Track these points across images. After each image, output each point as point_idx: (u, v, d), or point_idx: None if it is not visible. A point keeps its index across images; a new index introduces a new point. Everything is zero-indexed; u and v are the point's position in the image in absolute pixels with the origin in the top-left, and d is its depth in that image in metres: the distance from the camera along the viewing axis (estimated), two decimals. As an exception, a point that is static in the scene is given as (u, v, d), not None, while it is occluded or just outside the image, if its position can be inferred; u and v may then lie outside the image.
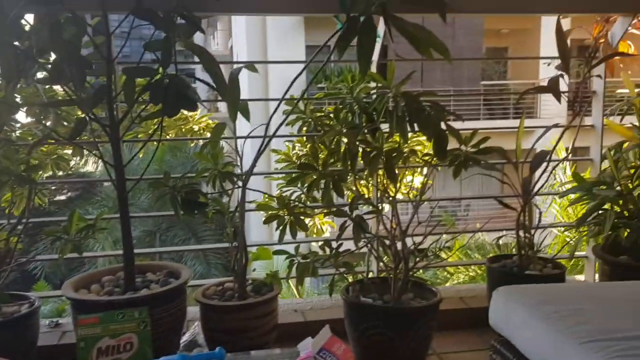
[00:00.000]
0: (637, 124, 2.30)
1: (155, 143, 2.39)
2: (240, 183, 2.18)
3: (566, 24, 2.44)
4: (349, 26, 1.92)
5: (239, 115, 2.08)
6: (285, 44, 12.02)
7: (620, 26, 2.32)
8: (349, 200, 2.20)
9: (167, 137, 5.19)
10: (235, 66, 2.12)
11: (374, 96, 2.16)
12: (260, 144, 2.15)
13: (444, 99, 11.83)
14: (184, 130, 5.36)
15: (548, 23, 10.73)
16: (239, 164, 2.22)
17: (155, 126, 2.36)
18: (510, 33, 13.27)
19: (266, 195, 2.46)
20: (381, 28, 2.19)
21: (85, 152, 2.41)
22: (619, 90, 2.46)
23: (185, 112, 5.22)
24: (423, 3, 2.01)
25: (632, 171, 2.29)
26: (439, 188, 11.46)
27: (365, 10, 1.93)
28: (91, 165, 11.42)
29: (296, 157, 3.17)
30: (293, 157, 3.24)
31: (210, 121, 5.61)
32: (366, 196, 2.43)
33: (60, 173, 2.60)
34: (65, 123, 2.29)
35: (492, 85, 13.36)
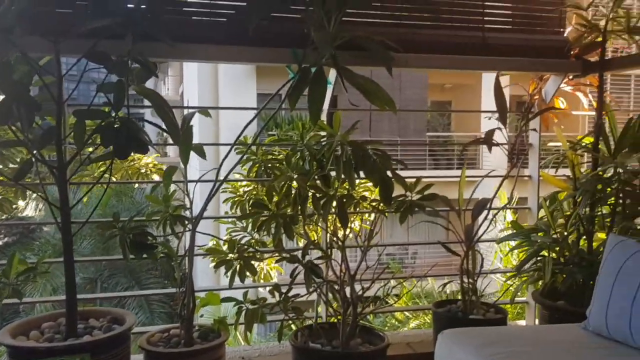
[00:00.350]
0: (570, 175, 2.45)
1: (100, 187, 2.36)
2: (190, 226, 2.17)
3: (505, 80, 2.61)
4: (301, 77, 2.00)
5: (190, 159, 2.10)
6: (237, 92, 12.14)
7: (552, 84, 2.50)
8: (299, 243, 2.22)
9: (115, 180, 5.11)
10: (186, 111, 2.15)
11: (324, 143, 2.23)
12: (211, 188, 2.16)
13: (392, 148, 12.17)
14: (130, 172, 5.29)
15: (488, 79, 11.33)
16: (189, 207, 2.21)
17: (102, 169, 2.34)
18: (454, 88, 13.92)
19: (216, 240, 2.45)
20: (331, 78, 2.28)
21: (28, 194, 2.35)
22: (551, 143, 2.62)
23: (133, 155, 5.17)
24: (372, 57, 2.11)
25: (566, 219, 2.42)
26: (387, 236, 11.62)
27: (316, 61, 2.02)
28: (31, 210, 10.98)
29: (244, 193, 3.19)
30: (240, 191, 3.26)
31: (156, 162, 5.57)
32: (315, 241, 2.46)
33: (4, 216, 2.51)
34: (12, 165, 2.24)
35: (437, 137, 13.88)
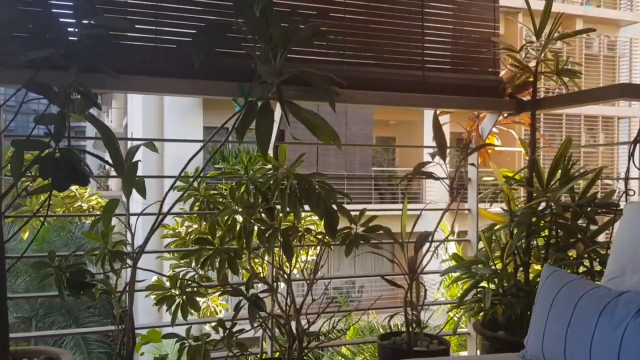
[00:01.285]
0: (506, 208, 2.55)
1: (37, 222, 2.27)
2: (130, 262, 2.11)
3: (446, 118, 2.73)
4: (248, 110, 2.01)
5: (134, 193, 2.06)
6: (183, 125, 12.02)
7: (488, 122, 2.63)
8: (244, 278, 2.20)
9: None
10: (131, 144, 2.12)
11: (269, 176, 2.24)
12: (154, 222, 2.12)
13: (338, 182, 12.30)
14: (71, 209, 5.11)
15: (430, 116, 11.73)
16: (130, 242, 2.16)
17: (41, 203, 2.25)
18: (397, 124, 14.30)
19: (158, 276, 2.39)
20: (277, 112, 2.32)
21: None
22: (487, 178, 2.73)
23: (74, 190, 5.00)
24: (316, 92, 2.16)
25: (503, 251, 2.51)
26: (334, 269, 11.62)
27: (262, 95, 2.04)
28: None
29: (186, 234, 3.15)
30: (182, 233, 3.21)
31: (100, 199, 5.40)
32: (261, 275, 2.45)
33: None
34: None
35: (382, 171, 14.15)
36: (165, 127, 12.42)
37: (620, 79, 14.98)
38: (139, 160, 2.02)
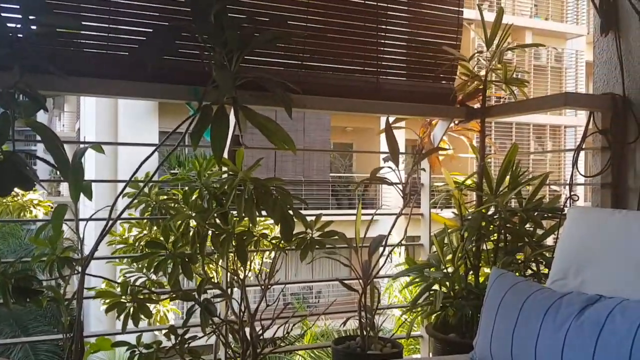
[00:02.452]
0: (457, 213, 2.61)
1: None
2: (79, 268, 2.06)
3: (402, 124, 2.77)
4: (202, 115, 2.00)
5: (85, 198, 2.01)
6: (138, 129, 11.78)
7: (440, 128, 2.69)
8: (198, 284, 2.18)
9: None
10: (81, 146, 2.07)
11: (225, 180, 2.22)
12: (104, 227, 2.07)
13: (296, 188, 12.30)
14: (11, 208, 4.91)
15: (387, 123, 11.91)
16: (79, 247, 2.11)
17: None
18: (355, 131, 14.44)
19: (107, 282, 2.34)
20: (233, 117, 2.30)
21: None
22: (438, 183, 2.79)
23: (19, 193, 4.83)
24: (272, 98, 2.16)
25: (454, 254, 2.57)
26: (292, 275, 11.59)
27: (217, 100, 2.03)
28: None
29: (134, 240, 3.08)
30: (130, 240, 3.15)
31: (41, 198, 5.24)
32: (215, 280, 2.42)
33: None
34: None
35: (339, 177, 14.25)
36: (120, 131, 12.17)
37: (567, 89, 15.58)
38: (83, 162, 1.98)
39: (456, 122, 2.70)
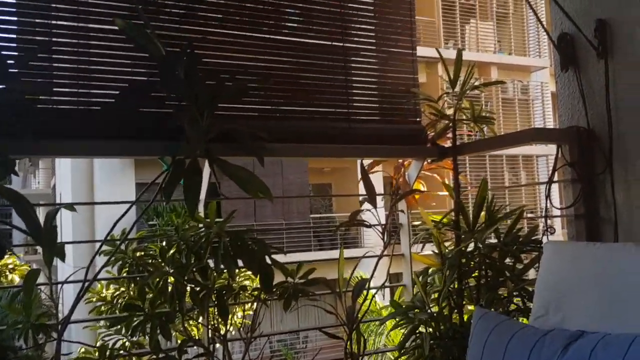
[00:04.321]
0: (437, 251, 2.61)
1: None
2: (55, 335, 1.99)
3: (379, 166, 2.80)
4: (175, 169, 1.99)
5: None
6: (114, 182, 11.68)
7: (414, 168, 2.71)
8: (179, 343, 2.12)
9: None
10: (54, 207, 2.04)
11: (201, 234, 2.20)
12: (79, 290, 2.02)
13: (277, 231, 12.23)
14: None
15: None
16: (55, 312, 2.05)
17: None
18: (332, 171, 14.53)
19: (85, 347, 2.27)
20: (207, 168, 2.30)
21: None
22: (416, 222, 2.80)
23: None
24: (244, 148, 2.17)
25: (438, 294, 2.56)
26: (277, 321, 11.39)
27: (190, 154, 2.03)
28: None
29: (112, 297, 3.02)
30: (108, 297, 3.08)
31: (17, 262, 5.11)
32: (196, 337, 2.37)
33: None
34: None
35: (320, 218, 14.22)
36: (96, 185, 12.06)
37: (535, 120, 15.99)
38: (55, 226, 1.94)
39: (429, 160, 2.74)
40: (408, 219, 2.77)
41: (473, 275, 2.52)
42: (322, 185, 15.22)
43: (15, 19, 2.06)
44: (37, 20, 2.08)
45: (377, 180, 2.53)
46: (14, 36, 2.08)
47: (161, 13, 2.28)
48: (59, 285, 2.15)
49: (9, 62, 2.00)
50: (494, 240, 2.52)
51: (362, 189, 2.56)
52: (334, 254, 11.48)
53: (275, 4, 2.48)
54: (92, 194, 11.83)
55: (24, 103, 1.92)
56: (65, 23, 2.11)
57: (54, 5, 2.10)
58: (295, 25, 2.56)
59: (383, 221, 2.68)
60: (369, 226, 2.51)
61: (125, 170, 11.81)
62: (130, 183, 11.88)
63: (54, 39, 2.10)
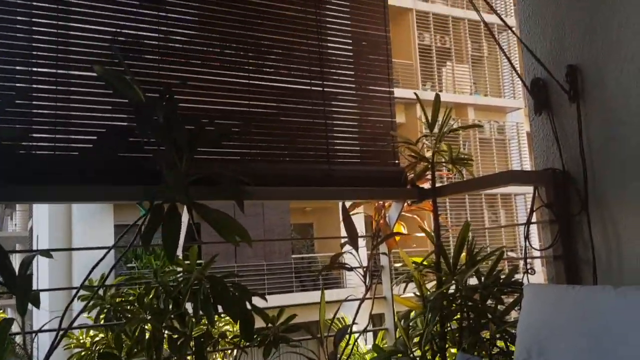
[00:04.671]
0: (418, 293, 2.60)
1: None
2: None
3: (360, 207, 2.81)
4: (153, 214, 1.97)
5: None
6: (92, 225, 11.51)
7: (394, 210, 2.73)
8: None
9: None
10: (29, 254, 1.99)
11: (180, 279, 2.17)
12: (54, 339, 1.96)
13: (258, 272, 12.08)
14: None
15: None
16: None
17: None
18: (314, 210, 14.51)
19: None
20: (186, 212, 2.28)
21: None
22: (397, 265, 2.79)
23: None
24: (223, 192, 2.16)
25: (420, 337, 2.53)
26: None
27: (169, 198, 2.01)
28: None
29: (91, 343, 2.93)
30: (87, 343, 2.99)
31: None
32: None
33: None
34: None
35: (302, 259, 14.11)
36: (74, 227, 11.85)
37: (512, 159, 16.27)
38: (31, 274, 1.89)
39: (409, 202, 2.75)
40: (389, 261, 2.76)
41: (455, 317, 2.50)
42: (304, 225, 15.17)
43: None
44: (17, 68, 2.08)
45: (358, 220, 2.53)
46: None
47: (140, 58, 2.30)
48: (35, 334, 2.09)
49: (-14, 107, 1.99)
50: (475, 282, 2.52)
51: (343, 230, 2.56)
52: (316, 295, 11.35)
53: (254, 48, 2.52)
54: (70, 235, 11.62)
55: (2, 149, 1.90)
56: (44, 70, 2.12)
57: (34, 52, 2.11)
58: (274, 69, 2.60)
59: (364, 261, 2.68)
60: (351, 269, 2.50)
61: (104, 212, 11.65)
62: (109, 224, 11.71)
63: (33, 85, 2.10)
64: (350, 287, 12.02)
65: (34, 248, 13.91)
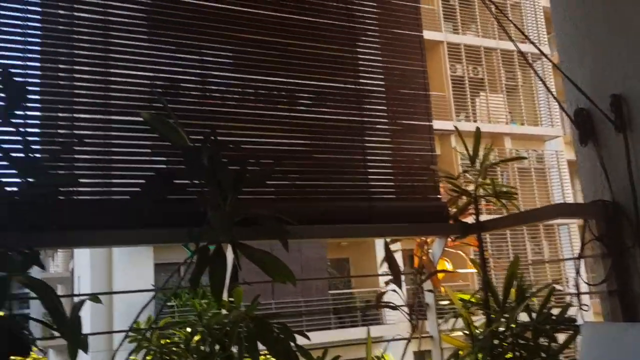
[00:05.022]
0: (466, 332, 2.53)
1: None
2: None
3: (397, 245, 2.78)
4: (200, 258, 1.99)
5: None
6: (133, 263, 11.69)
7: (438, 246, 2.68)
8: None
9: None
10: (78, 287, 2.03)
11: (225, 322, 2.17)
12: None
13: (296, 310, 11.99)
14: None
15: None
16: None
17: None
18: (350, 245, 14.40)
19: None
20: (229, 253, 2.29)
21: None
22: (444, 302, 2.73)
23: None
24: (267, 232, 2.17)
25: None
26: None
27: (214, 239, 2.03)
28: None
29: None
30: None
31: None
32: None
33: None
34: None
35: (340, 294, 13.94)
36: (115, 267, 12.05)
37: (552, 189, 15.90)
38: (80, 318, 1.92)
39: (452, 238, 2.71)
40: (435, 298, 2.71)
41: (506, 356, 2.42)
42: (340, 260, 15.05)
43: (39, 114, 2.14)
44: (59, 114, 2.16)
45: (397, 254, 2.51)
46: (39, 130, 2.16)
47: (181, 101, 2.36)
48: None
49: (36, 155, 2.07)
50: (524, 318, 2.44)
51: (379, 259, 2.52)
52: (354, 332, 11.17)
53: (290, 88, 2.56)
54: (111, 276, 11.81)
55: (51, 196, 1.96)
56: (89, 116, 2.20)
57: (76, 99, 2.19)
58: (311, 102, 2.62)
59: (405, 296, 2.63)
60: (395, 308, 2.46)
61: (144, 251, 11.83)
62: (149, 263, 11.88)
63: (76, 132, 2.17)
64: (389, 323, 11.80)
65: (76, 289, 14.17)
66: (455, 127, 2.64)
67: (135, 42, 2.32)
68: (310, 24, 2.66)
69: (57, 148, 2.17)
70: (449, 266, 2.76)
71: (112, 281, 12.01)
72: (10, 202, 1.82)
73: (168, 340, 2.49)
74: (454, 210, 2.70)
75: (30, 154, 1.99)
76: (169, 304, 10.93)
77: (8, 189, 1.86)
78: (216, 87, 2.47)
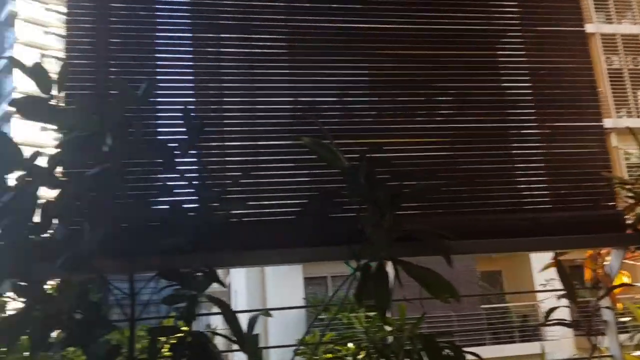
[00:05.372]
0: (656, 353, 2.28)
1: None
2: None
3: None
4: (363, 274, 2.02)
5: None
6: (285, 276, 12.26)
7: (615, 258, 2.45)
8: None
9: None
10: (235, 302, 2.16)
11: (390, 339, 2.17)
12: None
13: (446, 324, 11.66)
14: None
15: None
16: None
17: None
18: (502, 257, 13.70)
19: None
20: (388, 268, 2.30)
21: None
22: (623, 319, 2.49)
23: None
24: (428, 248, 2.15)
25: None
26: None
27: (375, 257, 2.05)
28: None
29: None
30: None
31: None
32: None
33: None
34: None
35: (493, 309, 13.29)
36: (267, 281, 12.70)
37: None
38: (258, 334, 2.04)
39: (632, 249, 2.46)
40: (614, 316, 2.47)
41: None
42: (492, 273, 14.38)
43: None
44: (212, 144, 2.32)
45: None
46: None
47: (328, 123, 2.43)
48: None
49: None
50: None
51: (535, 271, 2.36)
52: (512, 348, 10.59)
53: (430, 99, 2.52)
54: (264, 289, 12.47)
55: (229, 221, 2.12)
56: (263, 143, 2.37)
57: (226, 128, 2.36)
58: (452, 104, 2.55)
59: (568, 312, 2.43)
60: (570, 326, 2.28)
61: (295, 266, 12.35)
62: (299, 277, 12.37)
63: (258, 157, 2.35)
64: (551, 340, 10.98)
65: (233, 303, 15.10)
66: (630, 128, 2.39)
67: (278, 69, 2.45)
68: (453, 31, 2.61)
69: (227, 181, 2.34)
70: (628, 280, 2.51)
71: (266, 294, 12.67)
72: (194, 226, 2.00)
73: (331, 355, 2.57)
74: (632, 216, 2.45)
75: (206, 183, 2.19)
76: (319, 317, 11.25)
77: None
78: (366, 107, 2.52)
